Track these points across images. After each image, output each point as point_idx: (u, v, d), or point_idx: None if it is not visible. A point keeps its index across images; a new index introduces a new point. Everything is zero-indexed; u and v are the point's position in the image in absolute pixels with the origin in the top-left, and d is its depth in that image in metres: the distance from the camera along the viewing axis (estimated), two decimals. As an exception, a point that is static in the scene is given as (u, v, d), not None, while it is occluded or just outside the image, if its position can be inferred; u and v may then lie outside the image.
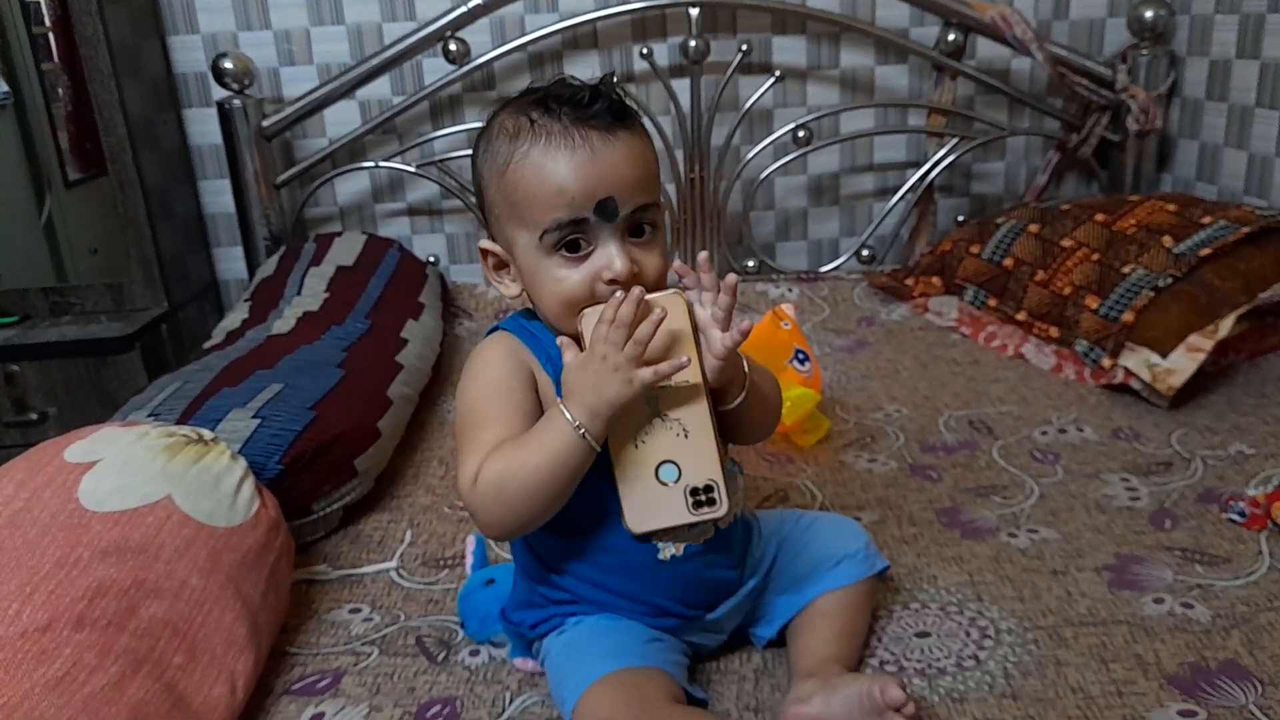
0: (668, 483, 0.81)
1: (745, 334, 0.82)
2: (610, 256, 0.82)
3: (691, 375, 0.81)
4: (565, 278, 0.83)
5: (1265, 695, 0.85)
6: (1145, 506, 1.18)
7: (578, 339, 0.82)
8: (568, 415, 0.78)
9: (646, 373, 0.77)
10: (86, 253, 2.00)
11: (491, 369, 0.86)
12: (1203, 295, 1.49)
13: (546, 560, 0.90)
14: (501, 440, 0.82)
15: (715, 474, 0.81)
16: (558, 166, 0.80)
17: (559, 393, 0.83)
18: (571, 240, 0.82)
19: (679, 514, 0.81)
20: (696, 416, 0.82)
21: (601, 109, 0.81)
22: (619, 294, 0.79)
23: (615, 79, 0.88)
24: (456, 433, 0.87)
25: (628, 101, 0.85)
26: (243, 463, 1.04)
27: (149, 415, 1.18)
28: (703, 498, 0.81)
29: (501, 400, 0.84)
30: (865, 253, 2.09)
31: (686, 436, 0.82)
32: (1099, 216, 1.71)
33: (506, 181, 0.83)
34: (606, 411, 0.78)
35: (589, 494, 0.83)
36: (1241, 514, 1.14)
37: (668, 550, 0.88)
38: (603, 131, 0.81)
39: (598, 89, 0.83)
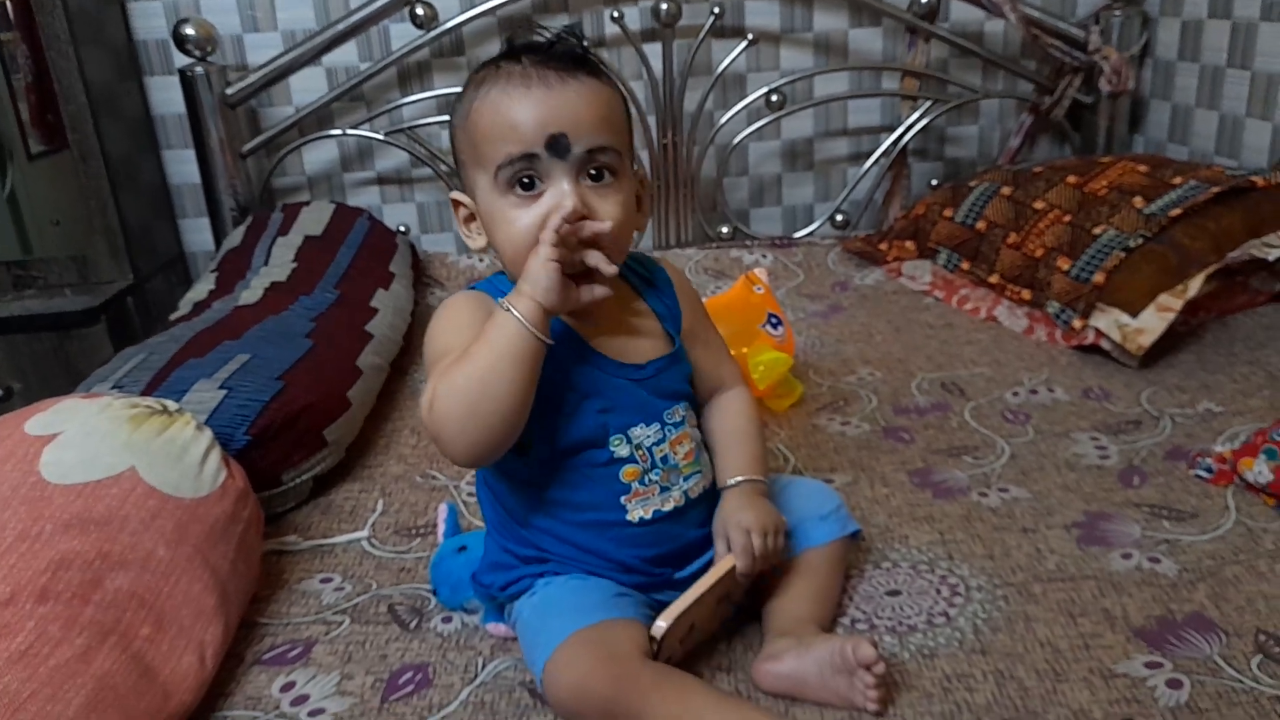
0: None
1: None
2: (561, 194, 0.81)
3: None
4: (518, 218, 0.83)
5: (1229, 646, 0.87)
6: (1114, 464, 1.19)
7: None
8: (501, 302, 0.80)
9: (547, 233, 0.79)
10: (49, 225, 1.96)
11: (458, 312, 0.87)
12: (1173, 255, 1.49)
13: (517, 516, 0.90)
14: None
15: (662, 624, 0.82)
16: (512, 103, 0.81)
17: None
18: (524, 178, 0.82)
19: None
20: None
21: (562, 51, 0.83)
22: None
23: (581, 29, 0.87)
24: (426, 373, 0.87)
25: (590, 55, 0.85)
26: (209, 433, 1.03)
27: (113, 387, 1.17)
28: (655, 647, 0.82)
29: (466, 335, 0.83)
30: (839, 218, 2.09)
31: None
32: (1071, 178, 1.71)
33: (469, 125, 0.84)
34: (529, 289, 0.79)
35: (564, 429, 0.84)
36: (1209, 470, 1.15)
37: (637, 512, 0.88)
38: (560, 71, 0.82)
39: (560, 35, 0.84)
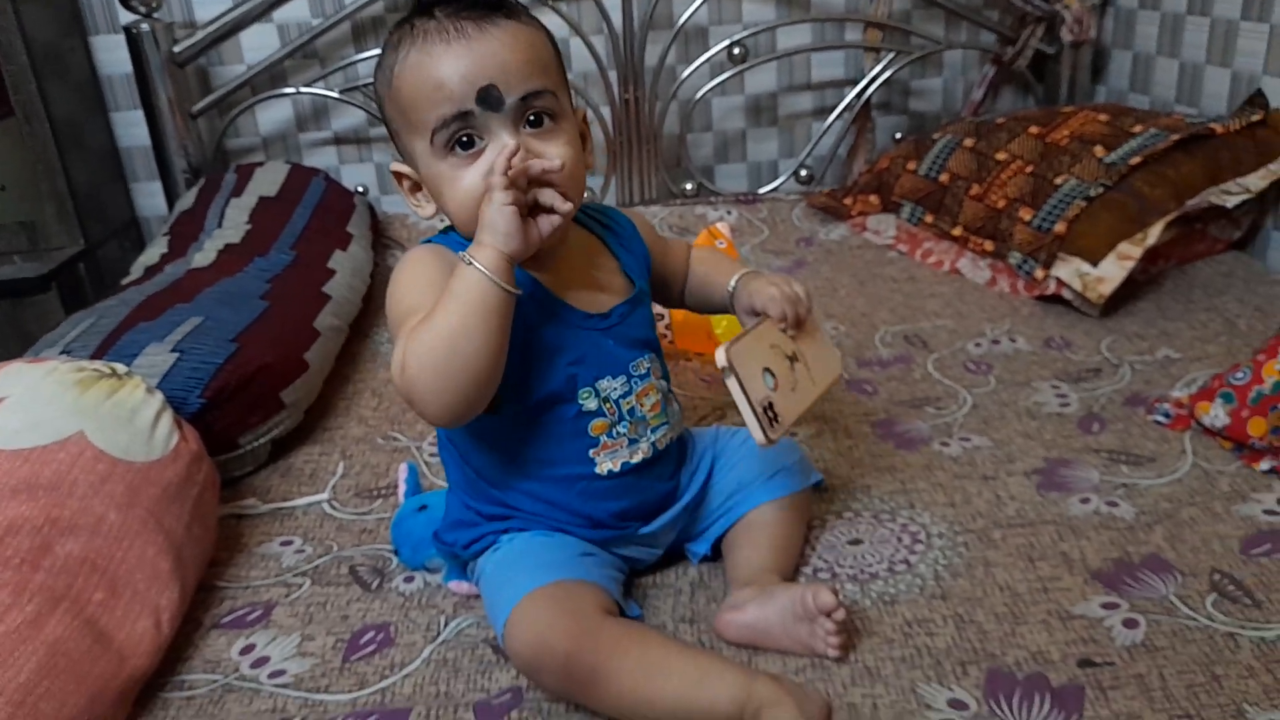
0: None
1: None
2: (498, 145, 0.79)
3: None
4: (462, 178, 0.80)
5: (1184, 585, 0.88)
6: (1074, 412, 1.20)
7: None
8: (471, 257, 0.76)
9: (496, 177, 0.76)
10: (-4, 191, 1.91)
11: (420, 267, 0.83)
12: (1133, 203, 1.50)
13: (485, 474, 0.89)
14: None
15: (787, 418, 0.85)
16: (434, 61, 0.78)
17: None
18: (462, 137, 0.79)
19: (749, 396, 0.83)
20: (807, 388, 0.89)
21: (477, 0, 0.80)
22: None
23: None
24: (391, 333, 0.85)
25: None
26: (159, 396, 1.01)
27: (61, 352, 1.14)
28: (771, 415, 0.84)
29: (428, 291, 0.80)
30: (804, 173, 2.08)
31: (794, 388, 0.88)
32: (1032, 129, 1.71)
33: (394, 93, 0.81)
34: (489, 238, 0.76)
35: (537, 385, 0.84)
36: (1166, 415, 1.16)
37: (605, 464, 0.87)
38: (478, 20, 0.79)
39: None
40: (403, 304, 0.82)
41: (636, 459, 0.89)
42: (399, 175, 0.87)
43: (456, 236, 0.87)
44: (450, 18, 0.79)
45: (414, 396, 0.78)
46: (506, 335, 0.78)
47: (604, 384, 0.87)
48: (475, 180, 0.80)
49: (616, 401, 0.87)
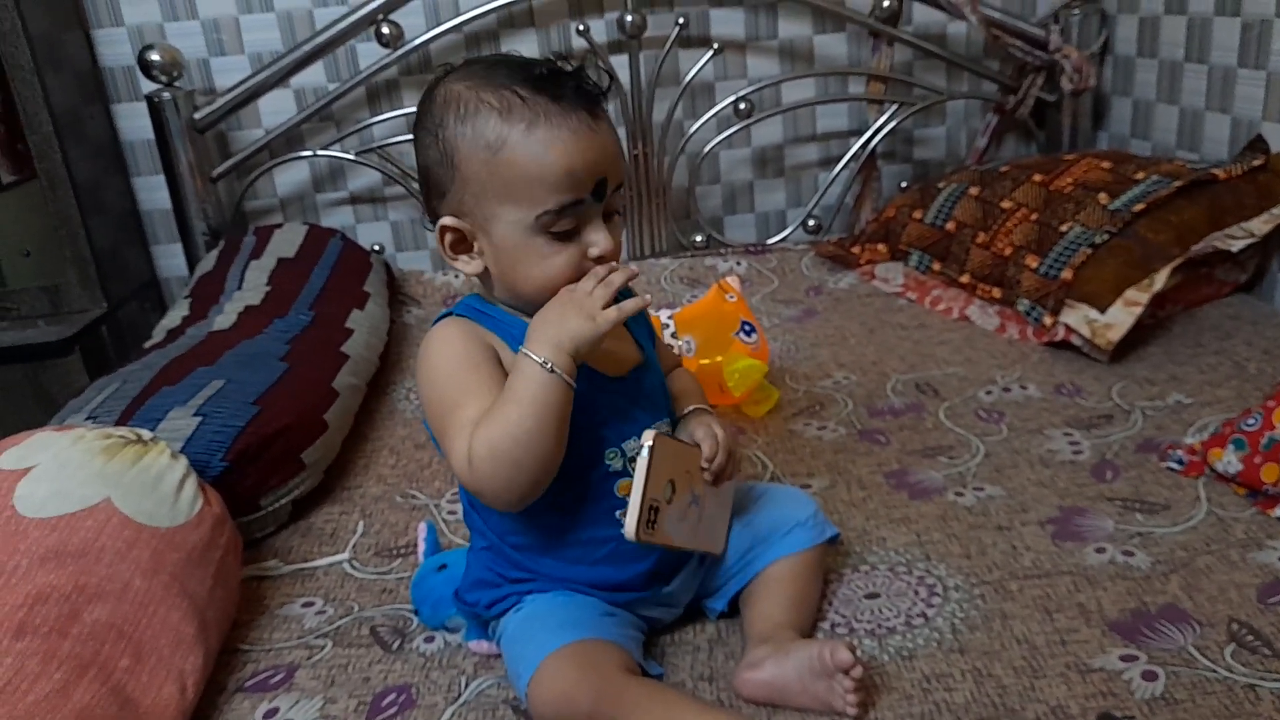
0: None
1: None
2: (599, 235, 0.83)
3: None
4: (552, 255, 0.82)
5: (1203, 636, 0.88)
6: (1087, 459, 1.20)
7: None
8: (532, 356, 0.78)
9: (611, 311, 0.79)
10: (20, 256, 1.95)
11: (452, 347, 0.84)
12: (1138, 249, 1.51)
13: (509, 540, 0.90)
14: (479, 420, 0.81)
15: (660, 532, 0.86)
16: (565, 147, 0.79)
17: None
18: (568, 223, 0.82)
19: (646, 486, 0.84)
20: (685, 531, 0.89)
21: (589, 87, 0.82)
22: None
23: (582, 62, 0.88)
24: (433, 421, 0.85)
25: (602, 81, 0.85)
26: (184, 461, 1.03)
27: (87, 418, 1.16)
28: (651, 518, 0.84)
29: (470, 375, 0.82)
30: (811, 223, 2.10)
31: (680, 520, 0.88)
32: (1036, 177, 1.73)
33: (502, 160, 0.80)
34: (570, 345, 0.78)
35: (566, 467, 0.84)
36: (1180, 462, 1.16)
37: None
38: (590, 109, 0.81)
39: (580, 67, 0.83)
40: (447, 394, 0.83)
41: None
42: (447, 230, 0.85)
43: (477, 304, 0.89)
44: (572, 104, 0.80)
45: (486, 491, 0.81)
46: (569, 422, 0.81)
47: (629, 445, 0.88)
48: (565, 260, 0.82)
49: None
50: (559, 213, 0.81)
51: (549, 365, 0.78)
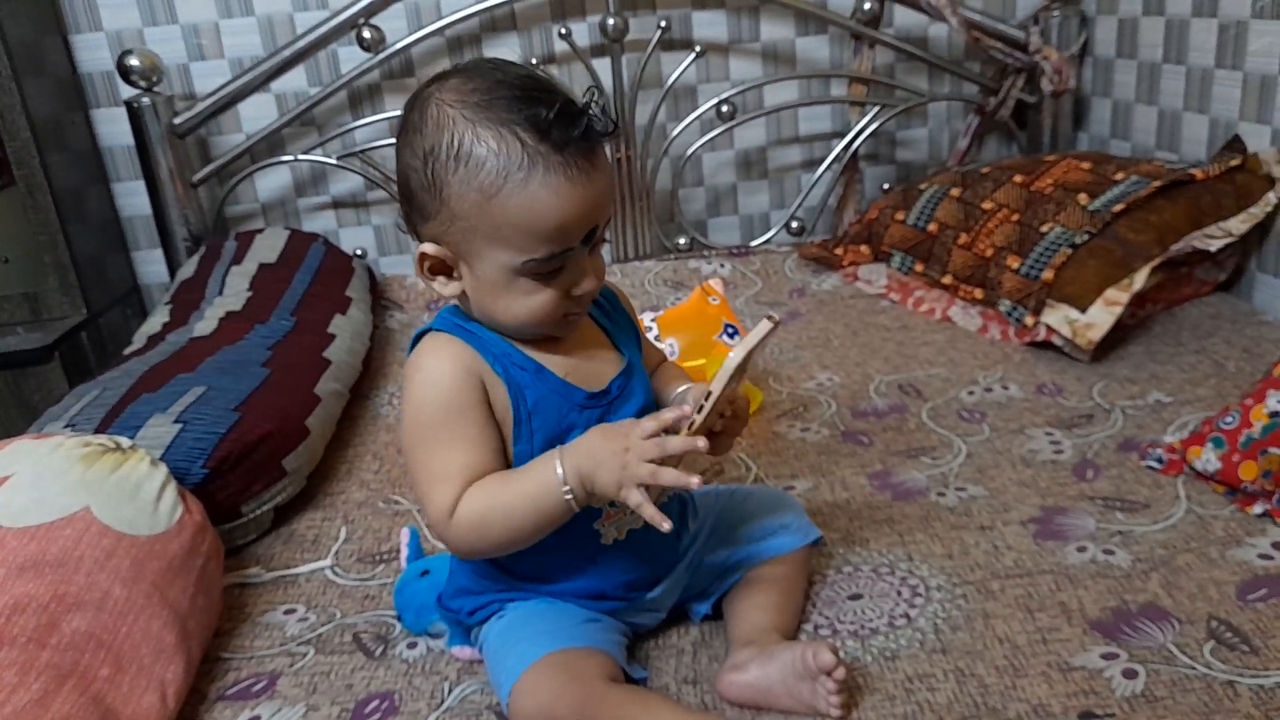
0: None
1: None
2: (583, 275, 0.82)
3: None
4: (534, 292, 0.81)
5: (1182, 633, 0.88)
6: (1068, 459, 1.21)
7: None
8: (560, 472, 0.78)
9: (636, 494, 0.76)
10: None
11: (443, 385, 0.82)
12: (1118, 249, 1.52)
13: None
14: (470, 466, 0.81)
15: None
16: (560, 203, 0.77)
17: (512, 397, 0.83)
18: (554, 268, 0.80)
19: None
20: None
21: (595, 130, 0.78)
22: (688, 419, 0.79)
23: (601, 93, 0.85)
24: (411, 450, 0.84)
25: (614, 126, 0.81)
26: (163, 469, 1.02)
27: (66, 426, 1.15)
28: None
29: (459, 420, 0.82)
30: (795, 225, 2.11)
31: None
32: (1017, 178, 1.74)
33: (495, 206, 0.77)
34: (590, 486, 0.78)
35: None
36: (1159, 460, 1.17)
37: (610, 534, 0.88)
38: (590, 157, 0.78)
39: (588, 104, 0.79)
40: (432, 435, 0.82)
41: (640, 524, 0.89)
42: (427, 256, 0.83)
43: (457, 319, 0.87)
44: (572, 155, 0.77)
45: (452, 545, 0.84)
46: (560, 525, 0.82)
47: None
48: (549, 299, 0.81)
49: None
50: (546, 260, 0.79)
51: (568, 494, 0.79)
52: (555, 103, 0.76)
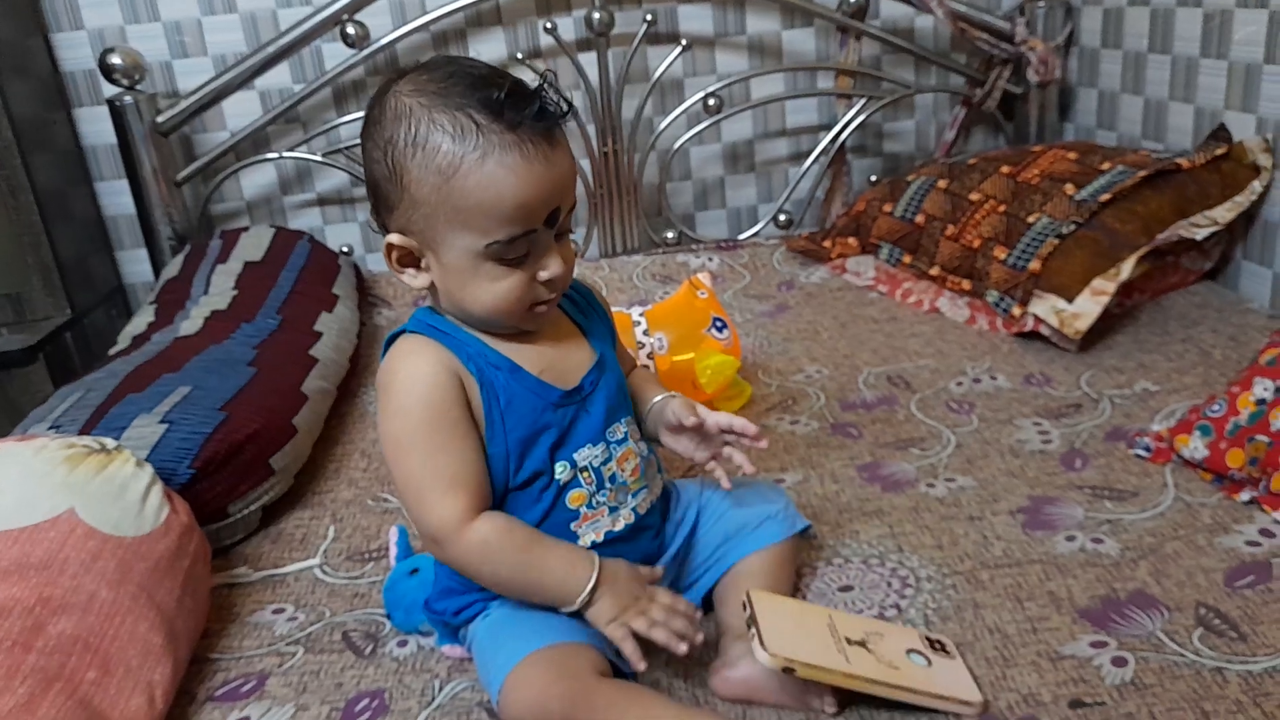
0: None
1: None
2: (549, 260, 0.82)
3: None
4: (501, 278, 0.81)
5: (1171, 621, 0.89)
6: (1056, 448, 1.21)
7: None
8: (589, 587, 0.82)
9: (641, 624, 0.81)
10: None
11: (426, 386, 0.82)
12: (1104, 239, 1.53)
13: None
14: (463, 472, 0.82)
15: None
16: (518, 180, 0.77)
17: (485, 397, 0.83)
18: (519, 252, 0.80)
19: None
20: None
21: (548, 110, 0.78)
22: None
23: (556, 76, 0.85)
24: (397, 456, 0.83)
25: (570, 107, 0.81)
26: (149, 470, 1.01)
27: (50, 428, 1.14)
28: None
29: (445, 420, 0.82)
30: (783, 218, 2.11)
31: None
32: (1004, 168, 1.75)
33: (454, 187, 0.77)
34: (594, 615, 0.83)
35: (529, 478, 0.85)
36: (1147, 449, 1.17)
37: (588, 536, 0.87)
38: (548, 137, 0.78)
39: (540, 86, 0.79)
40: (417, 442, 0.82)
41: (619, 527, 0.89)
42: (394, 247, 0.83)
43: (431, 319, 0.87)
44: (529, 134, 0.77)
45: (444, 558, 0.86)
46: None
47: (582, 453, 0.87)
48: (515, 285, 0.81)
49: (597, 469, 0.87)
50: (509, 243, 0.79)
51: (582, 601, 0.82)
52: (506, 84, 0.78)
